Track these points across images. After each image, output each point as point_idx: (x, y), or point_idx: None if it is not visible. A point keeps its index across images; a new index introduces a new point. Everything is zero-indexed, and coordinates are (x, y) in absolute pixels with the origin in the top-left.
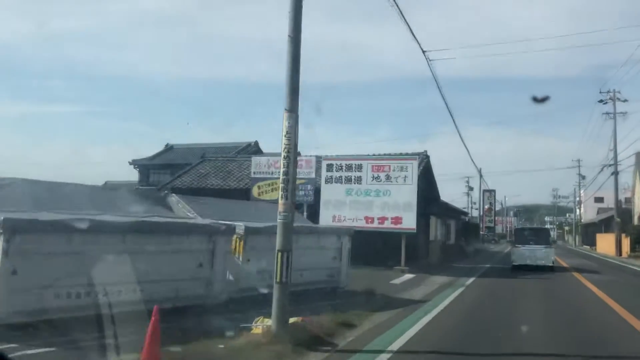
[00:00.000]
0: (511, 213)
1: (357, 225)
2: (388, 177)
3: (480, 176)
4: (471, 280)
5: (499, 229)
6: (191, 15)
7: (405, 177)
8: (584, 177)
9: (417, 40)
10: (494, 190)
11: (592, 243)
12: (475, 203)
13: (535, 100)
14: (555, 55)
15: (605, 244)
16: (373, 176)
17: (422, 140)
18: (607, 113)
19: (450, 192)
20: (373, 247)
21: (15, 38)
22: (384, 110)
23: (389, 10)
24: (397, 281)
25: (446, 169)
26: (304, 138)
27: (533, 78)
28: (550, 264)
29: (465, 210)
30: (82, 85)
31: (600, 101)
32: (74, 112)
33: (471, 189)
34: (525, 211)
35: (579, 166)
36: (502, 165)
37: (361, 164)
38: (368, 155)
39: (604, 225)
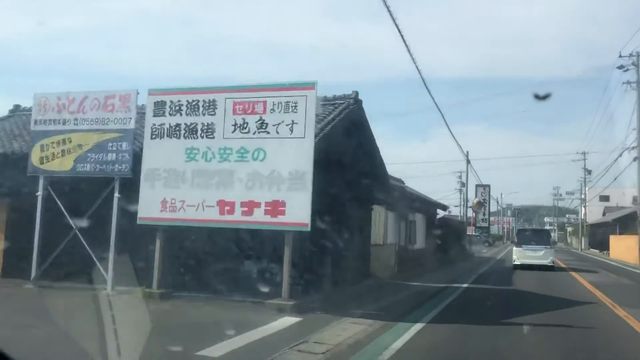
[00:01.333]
0: (508, 212)
1: (205, 218)
2: (262, 125)
3: (468, 162)
4: (410, 333)
5: (494, 229)
6: (190, 14)
7: (294, 123)
8: (589, 172)
9: None
10: (488, 186)
11: (603, 246)
12: (469, 201)
13: (537, 97)
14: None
15: (622, 248)
16: (236, 123)
17: (422, 140)
18: (629, 82)
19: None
20: (244, 257)
21: (14, 36)
22: (381, 111)
23: None
24: (216, 351)
25: (445, 170)
26: None
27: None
28: (551, 264)
29: (446, 205)
30: (81, 83)
31: (620, 67)
32: None
33: (464, 185)
34: (524, 212)
35: (584, 159)
36: (499, 166)
37: (215, 100)
38: (229, 86)
39: (619, 225)
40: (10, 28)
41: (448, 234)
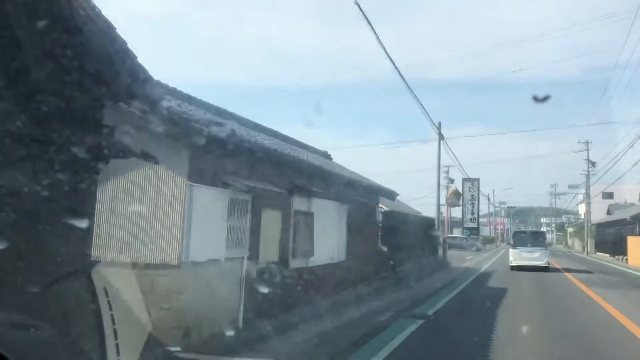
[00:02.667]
0: (502, 212)
1: None
2: None
3: (440, 137)
4: None
5: (486, 230)
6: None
7: None
8: (593, 164)
9: None
10: (477, 180)
11: (615, 250)
12: (447, 191)
13: (536, 99)
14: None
15: None
16: None
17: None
18: None
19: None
20: None
21: None
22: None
23: None
24: None
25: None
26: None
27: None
28: (546, 265)
29: (395, 191)
30: None
31: None
32: None
33: (452, 181)
34: (520, 213)
35: (588, 150)
36: (498, 168)
37: None
38: None
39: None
40: None
41: (402, 237)
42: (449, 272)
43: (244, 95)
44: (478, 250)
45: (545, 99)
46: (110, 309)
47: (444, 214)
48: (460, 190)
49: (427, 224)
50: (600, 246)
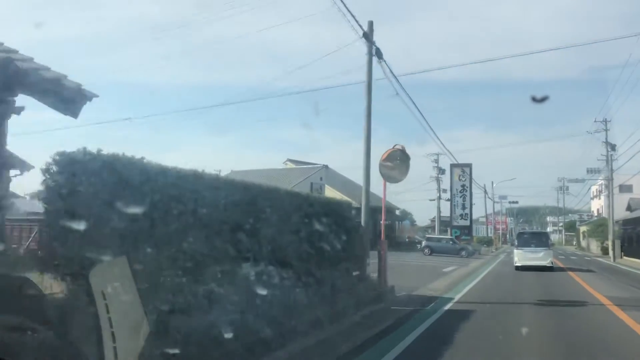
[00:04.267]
0: (504, 209)
1: None
2: None
3: (367, 37)
4: None
5: (482, 230)
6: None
7: None
8: (613, 148)
9: None
10: (468, 166)
11: None
12: (445, 191)
13: (535, 100)
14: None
15: None
16: None
17: (420, 144)
18: None
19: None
20: None
21: (11, 44)
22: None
23: None
24: None
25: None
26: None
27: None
28: (550, 265)
29: None
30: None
31: None
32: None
33: (442, 171)
34: (524, 212)
35: (606, 130)
36: (498, 169)
37: None
38: None
39: None
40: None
41: (212, 241)
42: (360, 326)
43: None
44: (470, 255)
45: (543, 99)
46: (108, 312)
47: (437, 213)
48: (409, 153)
49: (334, 214)
50: (627, 249)
